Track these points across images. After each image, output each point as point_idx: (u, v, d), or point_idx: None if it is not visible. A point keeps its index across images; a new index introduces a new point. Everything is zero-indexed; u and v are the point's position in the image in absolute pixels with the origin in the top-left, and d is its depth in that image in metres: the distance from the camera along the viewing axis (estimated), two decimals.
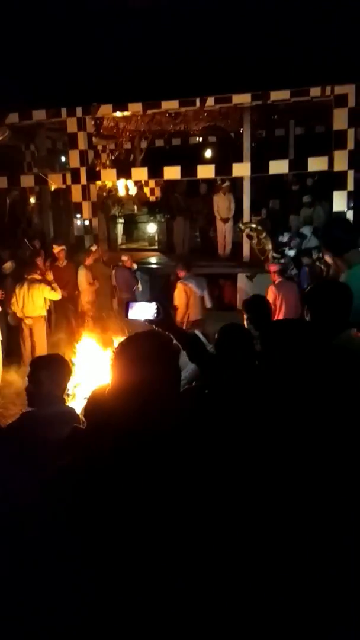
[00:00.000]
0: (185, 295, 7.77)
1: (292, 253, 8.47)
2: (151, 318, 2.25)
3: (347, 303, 2.32)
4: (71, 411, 2.80)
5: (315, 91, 9.74)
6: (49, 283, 8.01)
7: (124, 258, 9.70)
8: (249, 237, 10.36)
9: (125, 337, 1.44)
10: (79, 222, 11.73)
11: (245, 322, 3.67)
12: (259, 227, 9.35)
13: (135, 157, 15.12)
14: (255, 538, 1.34)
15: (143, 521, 1.20)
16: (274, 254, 8.91)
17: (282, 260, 8.39)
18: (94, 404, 2.42)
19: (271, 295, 7.21)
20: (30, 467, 2.09)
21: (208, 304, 8.12)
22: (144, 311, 2.27)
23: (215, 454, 1.60)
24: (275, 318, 6.69)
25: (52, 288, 7.98)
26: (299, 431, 1.65)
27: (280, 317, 6.95)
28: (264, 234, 8.97)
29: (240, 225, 10.80)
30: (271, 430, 1.83)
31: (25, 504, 1.53)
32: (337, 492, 1.38)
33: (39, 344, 7.88)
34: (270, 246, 8.92)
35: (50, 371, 2.75)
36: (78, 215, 11.65)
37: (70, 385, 3.05)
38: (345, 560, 1.30)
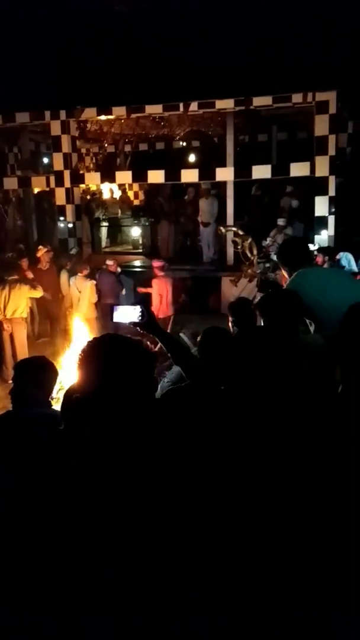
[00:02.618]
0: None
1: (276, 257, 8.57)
2: (136, 321, 2.26)
3: (296, 309, 2.61)
4: (54, 414, 2.79)
5: (297, 97, 9.86)
6: (28, 282, 7.80)
7: (109, 262, 9.09)
8: (234, 242, 10.40)
9: (89, 340, 1.38)
10: (62, 225, 11.69)
11: (230, 325, 3.70)
12: (242, 233, 9.41)
13: (120, 161, 15.10)
14: (248, 542, 1.35)
15: (116, 529, 1.20)
16: (259, 260, 9.00)
17: (267, 265, 8.49)
18: (68, 404, 2.42)
19: (158, 286, 8.46)
20: (8, 468, 2.09)
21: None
22: (128, 314, 2.29)
23: (198, 454, 1.61)
24: (161, 306, 8.41)
25: (32, 286, 7.75)
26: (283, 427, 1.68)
27: (166, 303, 8.51)
28: (249, 240, 9.05)
29: (222, 228, 10.83)
30: (253, 429, 1.85)
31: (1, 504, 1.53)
32: (324, 482, 1.40)
33: (20, 346, 7.77)
34: (255, 251, 9.00)
35: (34, 374, 2.74)
36: (62, 218, 11.61)
37: (55, 389, 3.03)
38: (345, 556, 1.31)
